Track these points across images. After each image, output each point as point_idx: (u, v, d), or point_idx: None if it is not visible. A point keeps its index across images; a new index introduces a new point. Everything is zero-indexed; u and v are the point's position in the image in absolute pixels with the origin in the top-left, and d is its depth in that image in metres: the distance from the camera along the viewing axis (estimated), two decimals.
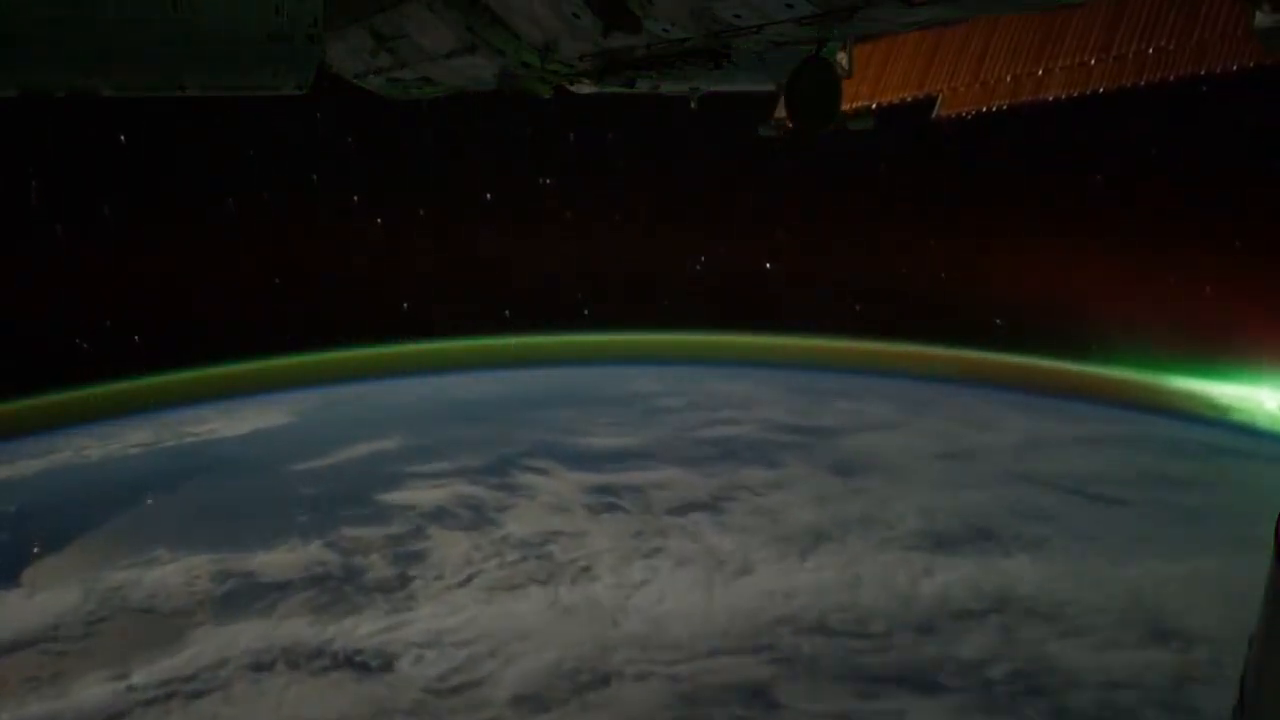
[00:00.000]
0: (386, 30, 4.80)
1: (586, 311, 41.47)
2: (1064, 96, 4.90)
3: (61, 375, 33.52)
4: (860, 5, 2.82)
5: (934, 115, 5.31)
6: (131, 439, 32.65)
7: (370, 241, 39.76)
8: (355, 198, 38.01)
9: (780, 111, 5.65)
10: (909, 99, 5.44)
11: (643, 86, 4.69)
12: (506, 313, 40.91)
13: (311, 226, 37.64)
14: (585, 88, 4.78)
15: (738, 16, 3.10)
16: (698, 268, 41.49)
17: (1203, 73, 4.36)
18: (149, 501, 26.31)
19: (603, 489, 24.85)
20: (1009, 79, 5.01)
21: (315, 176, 36.79)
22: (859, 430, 29.94)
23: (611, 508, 23.58)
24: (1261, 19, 3.52)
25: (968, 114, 5.22)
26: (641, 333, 41.59)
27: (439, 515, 23.56)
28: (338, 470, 27.70)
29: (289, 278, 37.26)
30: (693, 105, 5.12)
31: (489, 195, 39.10)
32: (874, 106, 5.45)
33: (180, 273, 35.49)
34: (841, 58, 4.99)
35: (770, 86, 5.04)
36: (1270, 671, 3.12)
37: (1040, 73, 4.88)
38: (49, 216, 32.16)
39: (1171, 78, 4.48)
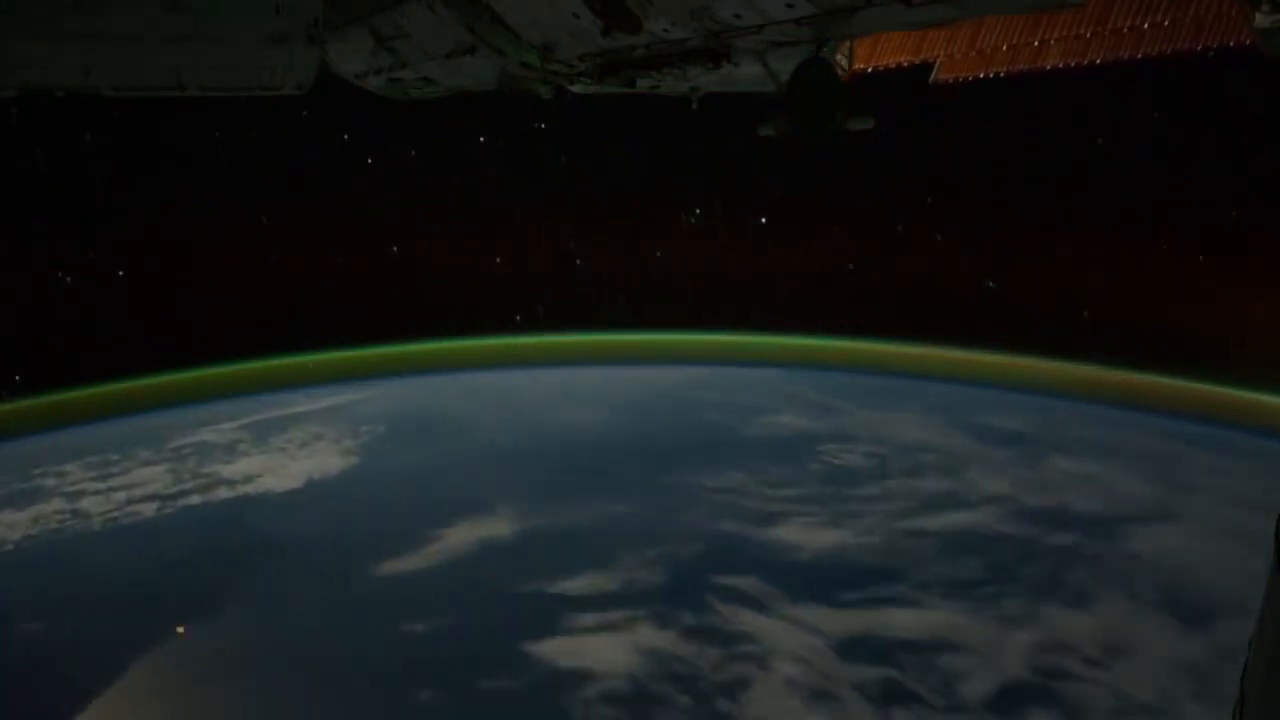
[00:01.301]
0: (386, 30, 4.80)
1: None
2: (1061, 66, 4.94)
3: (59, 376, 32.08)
4: (860, 5, 2.82)
5: (931, 79, 5.34)
6: (141, 479, 26.30)
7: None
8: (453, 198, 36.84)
9: (780, 112, 5.65)
10: (905, 64, 5.49)
11: (643, 86, 4.69)
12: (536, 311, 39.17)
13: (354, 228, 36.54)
14: (585, 88, 4.78)
15: (738, 16, 3.10)
16: (851, 267, 38.71)
17: (1199, 49, 4.39)
18: (152, 656, 17.01)
19: (862, 646, 16.89)
20: (1005, 48, 5.06)
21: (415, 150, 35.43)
22: (1135, 517, 22.61)
23: (897, 693, 15.50)
24: (1261, 19, 3.53)
25: (966, 79, 5.25)
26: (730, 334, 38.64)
27: (639, 706, 15.18)
28: (442, 583, 19.58)
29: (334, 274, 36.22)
30: (693, 105, 5.11)
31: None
32: (869, 70, 5.49)
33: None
34: (841, 58, 5.00)
35: (770, 86, 5.05)
36: (1270, 672, 3.13)
37: (1037, 43, 4.93)
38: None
39: (1169, 51, 4.50)
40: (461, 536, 22.05)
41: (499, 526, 22.62)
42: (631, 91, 4.79)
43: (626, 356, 38.77)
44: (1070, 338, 32.20)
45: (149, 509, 24.38)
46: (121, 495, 25.33)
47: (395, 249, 37.83)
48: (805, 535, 22.04)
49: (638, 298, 38.80)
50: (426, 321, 37.38)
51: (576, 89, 4.80)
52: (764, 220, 38.66)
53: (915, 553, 20.91)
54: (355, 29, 4.94)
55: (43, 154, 27.74)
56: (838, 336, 37.21)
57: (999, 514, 23.14)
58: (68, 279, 32.20)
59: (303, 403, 34.48)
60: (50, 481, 26.65)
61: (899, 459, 27.33)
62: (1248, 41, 4.00)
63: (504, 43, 4.25)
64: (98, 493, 25.64)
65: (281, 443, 29.71)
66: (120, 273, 32.82)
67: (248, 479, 26.35)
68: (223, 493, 25.44)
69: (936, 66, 5.44)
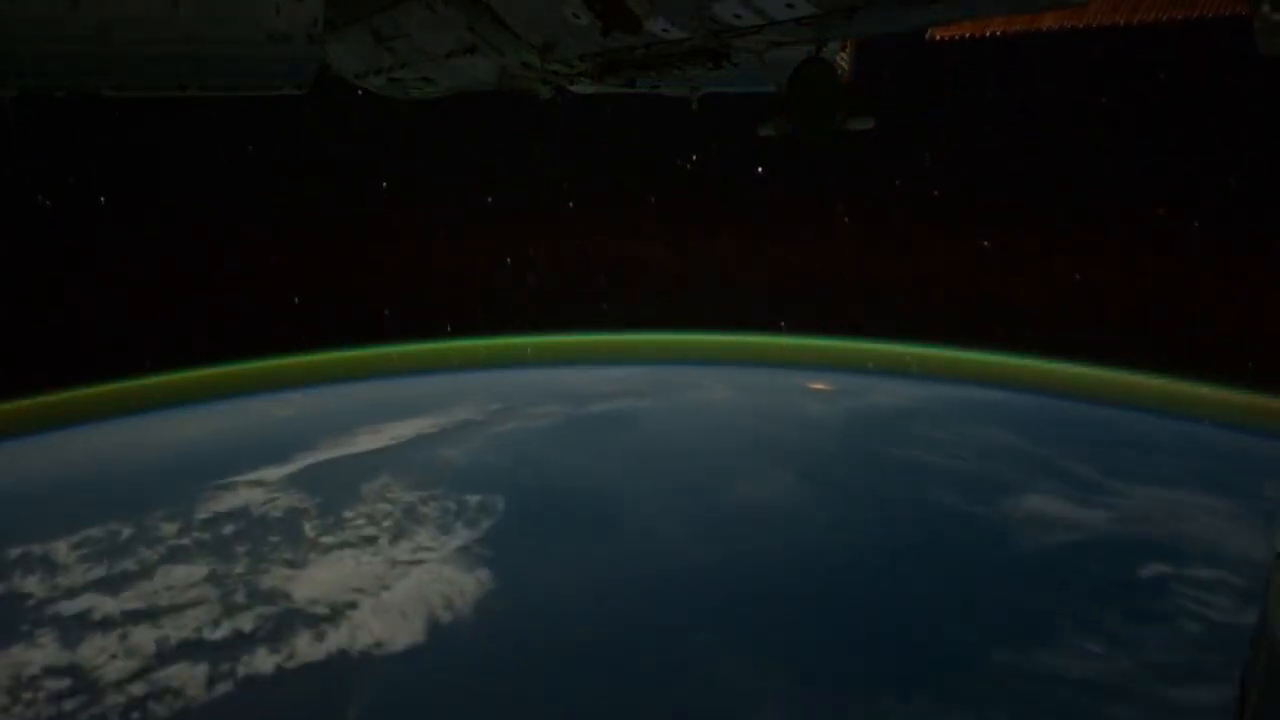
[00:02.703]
0: (386, 30, 4.81)
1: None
2: (1058, 28, 4.89)
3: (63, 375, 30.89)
4: (860, 5, 2.82)
5: (926, 36, 5.32)
6: (170, 596, 17.85)
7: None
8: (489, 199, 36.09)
9: (780, 112, 5.65)
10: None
11: (643, 86, 4.69)
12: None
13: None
14: (585, 88, 4.78)
15: (738, 16, 3.10)
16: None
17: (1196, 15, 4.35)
18: None
19: None
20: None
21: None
22: None
23: None
24: (1261, 20, 3.53)
25: (962, 37, 5.20)
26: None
27: None
28: None
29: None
30: (693, 105, 5.12)
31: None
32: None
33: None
34: (841, 58, 5.00)
35: (770, 86, 5.06)
36: (1271, 671, 3.13)
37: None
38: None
39: (1166, 19, 4.46)
40: None
41: None
42: (631, 91, 4.79)
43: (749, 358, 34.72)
44: None
45: (191, 679, 14.86)
46: (143, 636, 16.15)
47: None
48: None
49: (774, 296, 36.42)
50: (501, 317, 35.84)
51: (576, 89, 4.81)
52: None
53: None
54: (355, 29, 4.95)
55: (43, 152, 27.65)
56: (989, 349, 32.49)
57: None
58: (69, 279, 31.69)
59: (364, 435, 27.77)
60: (30, 588, 18.18)
61: None
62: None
63: (504, 43, 4.25)
64: (103, 624, 16.69)
65: (359, 520, 21.28)
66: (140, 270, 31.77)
67: (333, 613, 16.97)
68: (303, 647, 15.83)
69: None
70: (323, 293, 34.47)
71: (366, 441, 27.38)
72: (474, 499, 22.44)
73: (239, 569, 19.02)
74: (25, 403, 30.24)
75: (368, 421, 29.07)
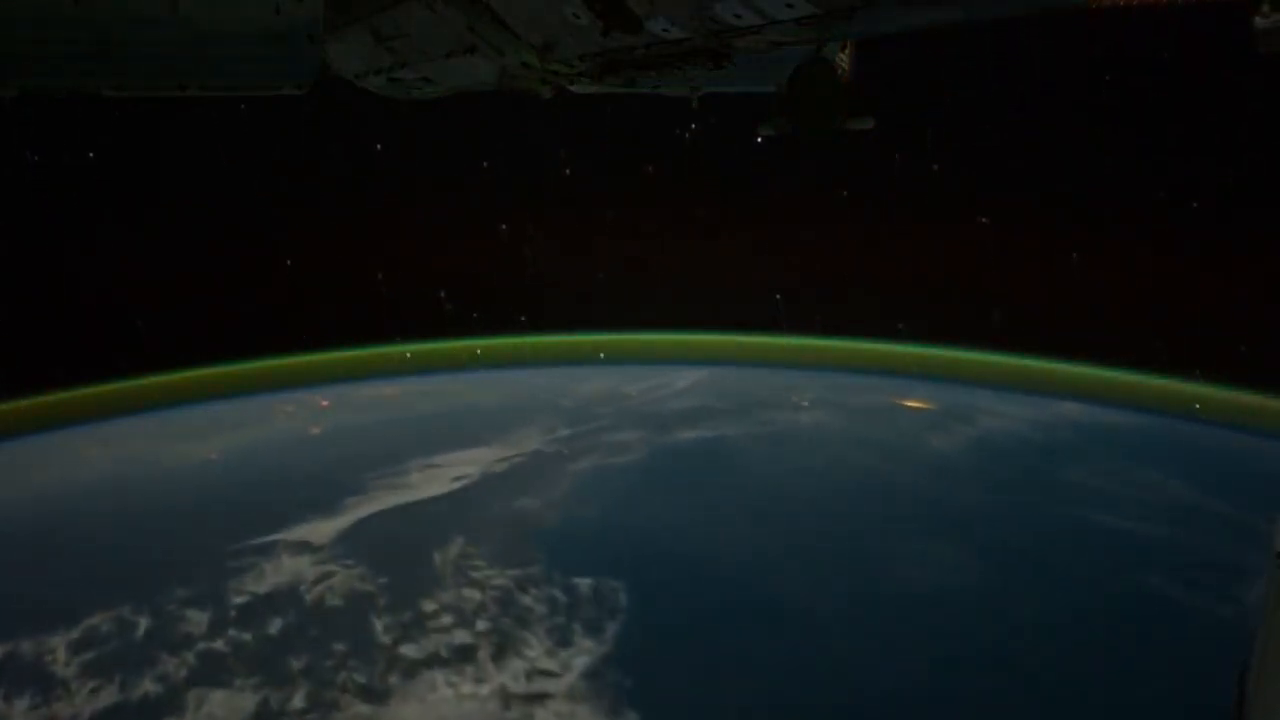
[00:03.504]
0: (386, 30, 4.81)
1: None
2: None
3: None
4: (860, 6, 2.82)
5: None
6: None
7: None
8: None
9: (780, 112, 5.66)
10: None
11: (643, 86, 4.69)
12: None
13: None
14: (585, 88, 4.78)
15: (738, 16, 3.10)
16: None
17: None
18: None
19: None
20: None
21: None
22: None
23: None
24: (1260, 20, 3.53)
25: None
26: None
27: None
28: None
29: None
30: (693, 105, 5.12)
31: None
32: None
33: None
34: (841, 58, 5.00)
35: (770, 86, 5.06)
36: (1271, 670, 3.13)
37: None
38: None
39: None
40: None
41: None
42: (632, 91, 4.79)
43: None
44: None
45: None
46: None
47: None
48: None
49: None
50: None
51: (576, 89, 4.81)
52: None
53: None
54: (355, 29, 4.95)
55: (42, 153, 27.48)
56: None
57: None
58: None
59: (417, 471, 23.61)
60: None
61: None
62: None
63: (504, 43, 4.25)
64: None
65: (444, 616, 16.71)
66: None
67: None
68: None
69: None
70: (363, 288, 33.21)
71: (423, 481, 23.04)
72: (584, 583, 17.67)
73: (297, 699, 14.33)
74: (25, 403, 29.63)
75: (419, 450, 24.81)
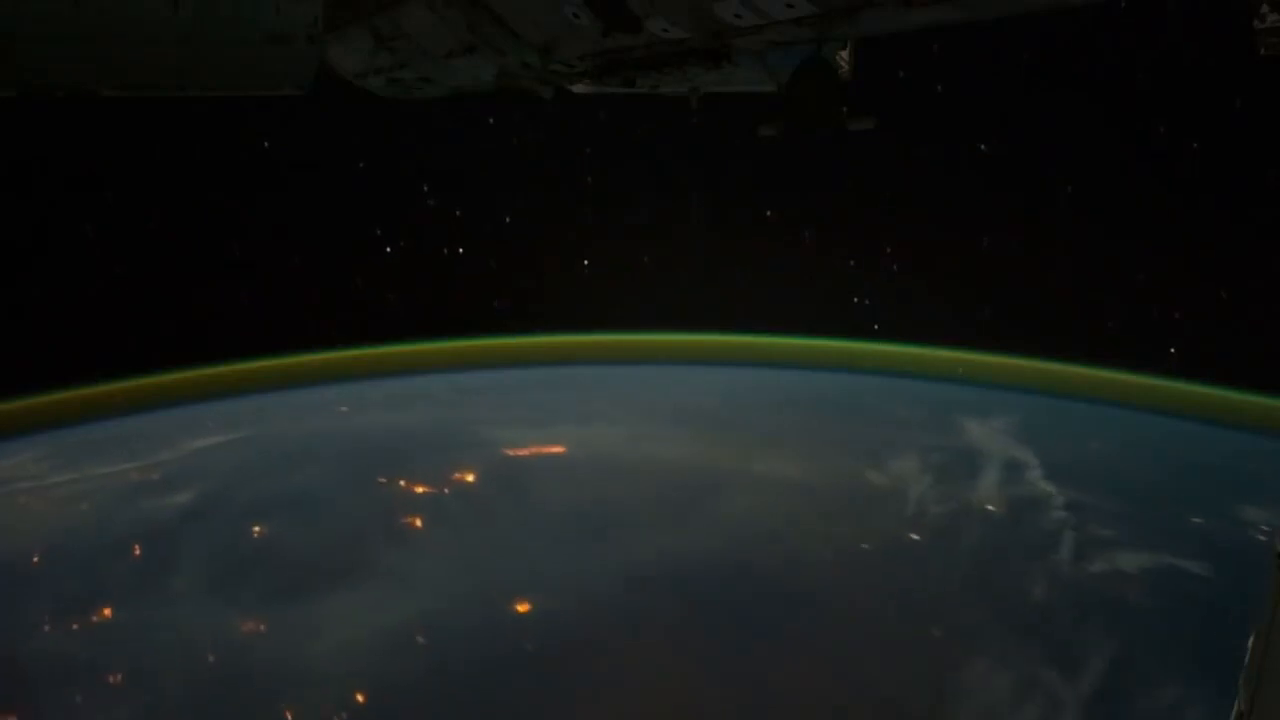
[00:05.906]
0: (386, 30, 4.80)
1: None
2: None
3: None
4: (860, 6, 2.82)
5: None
6: None
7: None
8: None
9: (780, 112, 5.65)
10: None
11: (643, 86, 4.68)
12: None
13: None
14: (585, 88, 4.78)
15: (738, 16, 3.10)
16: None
17: None
18: None
19: None
20: None
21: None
22: None
23: None
24: (1259, 21, 3.53)
25: None
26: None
27: None
28: None
29: None
30: (693, 105, 5.11)
31: None
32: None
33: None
34: (841, 58, 5.00)
35: (770, 86, 5.06)
36: (1273, 670, 3.13)
37: None
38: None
39: None
40: None
41: None
42: (631, 91, 4.79)
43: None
44: None
45: None
46: None
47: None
48: None
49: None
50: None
51: (576, 89, 4.81)
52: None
53: None
54: (355, 29, 4.94)
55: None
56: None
57: None
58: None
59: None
60: None
61: None
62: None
63: (504, 43, 4.25)
64: None
65: None
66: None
67: None
68: None
69: None
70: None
71: None
72: None
73: None
74: (24, 403, 28.74)
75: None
